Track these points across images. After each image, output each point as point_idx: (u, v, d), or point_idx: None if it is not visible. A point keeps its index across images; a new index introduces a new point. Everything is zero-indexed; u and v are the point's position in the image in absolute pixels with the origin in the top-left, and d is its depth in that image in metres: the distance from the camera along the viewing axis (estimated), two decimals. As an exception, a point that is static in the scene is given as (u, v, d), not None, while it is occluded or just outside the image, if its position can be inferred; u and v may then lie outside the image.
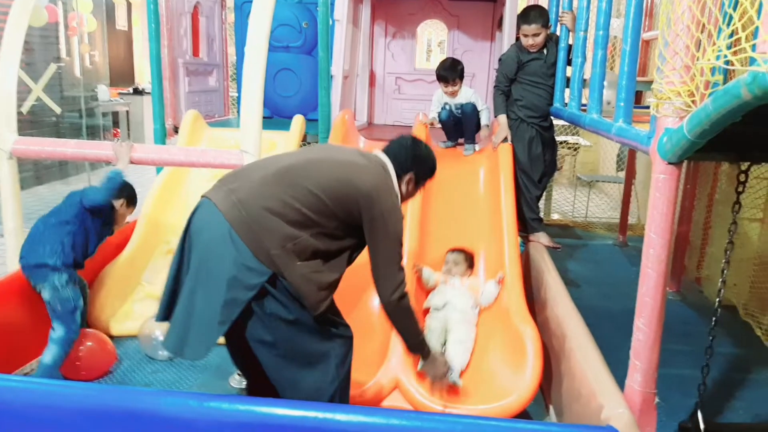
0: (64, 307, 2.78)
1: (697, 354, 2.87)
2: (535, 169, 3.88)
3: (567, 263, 4.83)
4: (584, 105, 3.21)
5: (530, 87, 3.81)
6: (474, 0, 5.37)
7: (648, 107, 2.07)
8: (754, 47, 1.40)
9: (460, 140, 4.14)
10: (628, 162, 5.54)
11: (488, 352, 2.87)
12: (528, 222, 3.94)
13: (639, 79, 3.14)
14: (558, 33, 3.77)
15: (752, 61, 1.41)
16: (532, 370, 2.55)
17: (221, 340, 2.20)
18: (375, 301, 3.00)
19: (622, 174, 5.87)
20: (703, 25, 1.73)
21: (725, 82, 1.61)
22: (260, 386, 2.21)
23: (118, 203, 2.99)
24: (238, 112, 3.59)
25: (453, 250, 3.27)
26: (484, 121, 3.97)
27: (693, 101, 1.81)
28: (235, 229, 1.91)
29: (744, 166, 2.42)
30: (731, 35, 1.55)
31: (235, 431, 1.81)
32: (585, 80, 3.31)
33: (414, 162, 2.28)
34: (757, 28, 1.41)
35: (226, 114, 5.74)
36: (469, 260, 3.25)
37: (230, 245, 1.90)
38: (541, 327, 2.86)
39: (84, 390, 2.00)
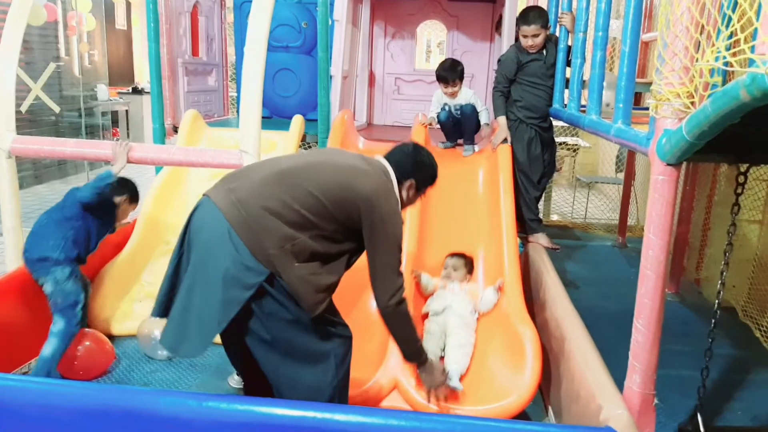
0: (65, 301, 2.80)
1: (696, 355, 2.87)
2: (535, 169, 3.88)
3: (566, 264, 4.83)
4: (583, 106, 3.21)
5: (529, 88, 3.81)
6: (473, 1, 5.37)
7: (647, 108, 2.07)
8: (753, 49, 1.40)
9: (459, 141, 4.14)
10: (628, 163, 5.55)
11: (487, 353, 2.87)
12: (527, 223, 3.94)
13: (638, 80, 3.14)
14: (557, 34, 3.77)
15: (751, 62, 1.41)
16: (531, 371, 2.56)
17: (218, 339, 2.22)
18: (374, 301, 2.98)
19: (622, 175, 5.87)
20: (702, 26, 1.73)
21: (724, 83, 1.61)
22: (257, 387, 2.21)
23: (121, 199, 3.02)
24: (238, 112, 3.58)
25: (452, 255, 3.25)
26: (484, 120, 3.97)
27: (692, 102, 1.81)
28: (235, 228, 1.92)
29: (743, 167, 2.42)
30: (730, 37, 1.55)
31: (234, 431, 1.81)
32: (584, 81, 3.31)
33: (415, 168, 2.28)
34: (755, 30, 1.41)
35: (226, 114, 5.74)
36: (469, 265, 3.24)
37: (229, 244, 1.90)
38: (540, 328, 2.87)
39: (83, 389, 2.00)
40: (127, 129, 9.46)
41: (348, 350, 2.14)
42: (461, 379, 2.64)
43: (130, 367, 3.05)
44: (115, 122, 9.10)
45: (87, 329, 3.01)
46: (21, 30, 3.14)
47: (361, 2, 5.05)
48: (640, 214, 5.92)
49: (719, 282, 2.45)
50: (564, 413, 2.52)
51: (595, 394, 2.12)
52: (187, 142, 4.21)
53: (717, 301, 2.43)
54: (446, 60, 4.00)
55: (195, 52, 5.21)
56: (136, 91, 9.71)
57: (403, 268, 3.09)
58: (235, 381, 2.85)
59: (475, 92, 4.03)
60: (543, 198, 4.61)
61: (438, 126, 4.08)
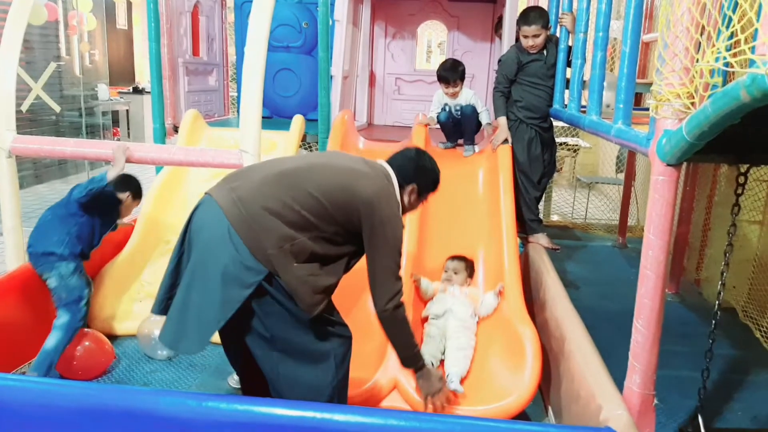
0: (70, 296, 2.82)
1: (696, 355, 2.87)
2: (535, 170, 3.88)
3: (566, 264, 4.83)
4: (584, 106, 3.21)
5: (530, 88, 3.81)
6: (474, 1, 5.37)
7: (647, 109, 2.07)
8: (753, 49, 1.40)
9: (460, 141, 4.14)
10: (628, 164, 5.55)
11: (487, 353, 2.87)
12: (527, 223, 3.94)
13: (638, 81, 3.14)
14: (558, 34, 3.77)
15: (751, 63, 1.41)
16: (531, 371, 2.56)
17: (217, 339, 2.22)
18: (374, 302, 3.00)
19: (622, 176, 5.87)
20: (703, 27, 1.73)
21: (724, 84, 1.61)
22: (256, 388, 2.21)
23: (124, 196, 3.04)
24: (238, 111, 3.59)
25: (453, 258, 3.23)
26: (485, 121, 3.96)
27: (692, 103, 1.81)
28: (234, 227, 1.92)
29: (743, 168, 2.42)
30: (730, 37, 1.55)
31: (234, 431, 1.81)
32: (584, 82, 3.31)
33: (417, 173, 2.28)
34: (756, 30, 1.41)
35: (226, 114, 5.74)
36: (470, 268, 3.22)
37: (229, 243, 1.91)
38: (540, 328, 2.86)
39: (82, 389, 2.00)
40: (128, 129, 9.47)
41: (348, 350, 2.14)
42: (462, 381, 2.63)
43: (130, 366, 3.06)
44: (115, 122, 9.10)
45: (86, 329, 3.01)
46: (21, 29, 3.15)
47: (362, 2, 5.05)
48: (641, 214, 5.92)
49: (719, 283, 2.45)
50: (564, 413, 2.52)
51: (595, 395, 2.12)
52: (188, 142, 4.21)
53: (717, 302, 2.43)
54: (447, 60, 3.99)
55: (195, 51, 5.21)
56: (137, 90, 9.72)
57: (403, 269, 3.11)
58: (234, 381, 2.84)
59: (476, 92, 4.03)
60: (543, 198, 4.61)
61: (437, 126, 4.08)
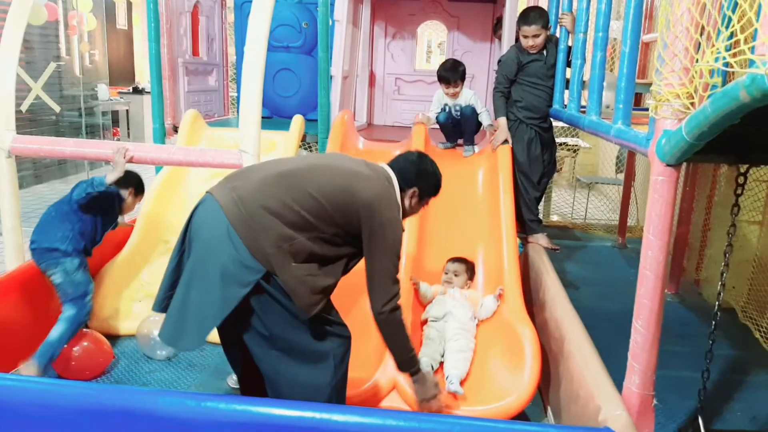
0: (76, 291, 2.86)
1: (695, 356, 2.87)
2: (534, 170, 3.88)
3: (566, 265, 4.83)
4: (583, 107, 3.21)
5: (530, 88, 3.80)
6: (474, 1, 5.37)
7: (647, 109, 2.07)
8: (753, 49, 1.40)
9: (459, 141, 4.14)
10: (628, 164, 5.54)
11: (487, 354, 2.87)
12: (527, 223, 3.93)
13: (638, 81, 3.14)
14: (557, 35, 3.77)
15: (751, 63, 1.41)
16: (530, 371, 2.55)
17: (217, 339, 2.22)
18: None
19: (622, 176, 5.87)
20: (702, 27, 1.73)
21: (724, 84, 1.61)
22: (254, 389, 2.21)
23: (126, 192, 3.07)
24: (238, 112, 3.59)
25: (454, 260, 3.23)
26: (486, 122, 3.96)
27: (692, 103, 1.81)
28: (233, 225, 1.93)
29: (743, 168, 2.42)
30: (730, 37, 1.55)
31: (233, 431, 1.81)
32: (584, 82, 3.31)
33: (419, 177, 2.28)
34: (756, 31, 1.41)
35: (226, 114, 5.74)
36: (470, 271, 3.22)
37: (228, 242, 1.92)
38: (539, 328, 2.86)
39: (81, 389, 2.00)
40: (128, 129, 9.47)
41: (347, 351, 2.14)
42: (462, 383, 2.62)
43: (129, 366, 3.05)
44: (115, 122, 9.10)
45: (85, 329, 3.01)
46: (21, 29, 3.14)
47: (362, 2, 5.05)
48: (640, 214, 5.92)
49: (719, 283, 2.45)
50: (563, 414, 2.51)
51: (594, 395, 2.12)
52: (187, 142, 4.21)
53: (717, 303, 2.43)
54: (447, 60, 3.99)
55: (195, 51, 5.21)
56: (137, 90, 9.72)
57: (402, 270, 3.11)
58: (233, 381, 2.84)
59: (476, 93, 4.03)
60: (543, 198, 4.61)
61: (436, 126, 4.08)
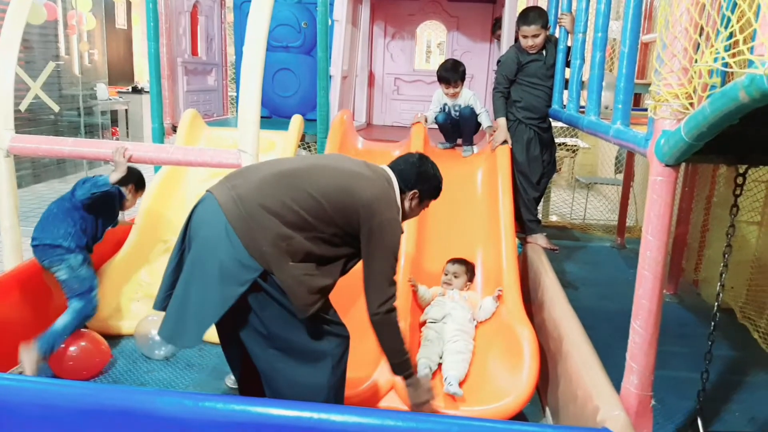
0: (82, 286, 2.89)
1: (694, 356, 2.87)
2: (534, 170, 3.88)
3: (565, 265, 4.83)
4: (582, 107, 3.21)
5: (529, 88, 3.80)
6: (473, 1, 5.37)
7: (646, 110, 2.07)
8: (752, 50, 1.40)
9: (459, 141, 4.13)
10: (627, 164, 5.55)
11: (485, 353, 2.87)
12: (526, 223, 3.93)
13: (637, 81, 3.14)
14: (557, 35, 3.77)
15: (750, 63, 1.41)
16: (528, 371, 2.55)
17: (216, 339, 2.22)
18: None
19: (621, 176, 5.87)
20: (702, 27, 1.73)
21: (723, 84, 1.61)
22: (253, 390, 2.21)
23: (127, 189, 3.10)
24: (237, 111, 3.59)
25: (454, 261, 3.21)
26: (486, 123, 3.96)
27: (691, 103, 1.80)
28: (232, 224, 1.94)
29: (742, 168, 2.42)
30: (729, 38, 1.55)
31: (231, 431, 1.81)
32: (583, 82, 3.30)
33: (419, 179, 2.29)
34: (755, 31, 1.41)
35: (225, 113, 5.74)
36: (470, 272, 3.21)
37: (226, 240, 1.93)
38: (538, 329, 2.86)
39: (79, 389, 2.00)
40: (127, 128, 9.46)
41: (345, 350, 2.14)
42: (460, 384, 2.62)
43: (127, 366, 3.05)
44: (114, 121, 9.10)
45: (83, 329, 3.01)
46: (20, 28, 3.14)
47: (361, 2, 5.05)
48: (639, 215, 5.92)
49: (718, 284, 2.45)
50: (561, 414, 2.51)
51: (593, 395, 2.12)
52: (186, 142, 4.21)
53: (716, 303, 2.42)
54: (447, 61, 3.99)
55: (194, 51, 5.21)
56: (136, 90, 9.70)
57: (401, 270, 3.11)
58: (231, 381, 2.84)
59: (476, 93, 4.02)
60: (542, 199, 4.61)
61: (434, 125, 4.07)
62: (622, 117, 2.42)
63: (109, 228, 3.19)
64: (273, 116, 5.48)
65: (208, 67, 5.43)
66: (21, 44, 3.17)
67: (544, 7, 3.96)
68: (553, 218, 6.48)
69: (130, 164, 3.02)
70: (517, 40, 3.89)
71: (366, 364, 2.62)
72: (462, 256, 3.27)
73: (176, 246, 2.07)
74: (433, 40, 11.37)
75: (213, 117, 5.39)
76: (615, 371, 2.20)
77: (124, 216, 3.32)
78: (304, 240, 1.97)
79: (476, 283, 3.31)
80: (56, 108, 6.44)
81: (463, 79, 3.90)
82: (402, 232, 2.17)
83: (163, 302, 2.07)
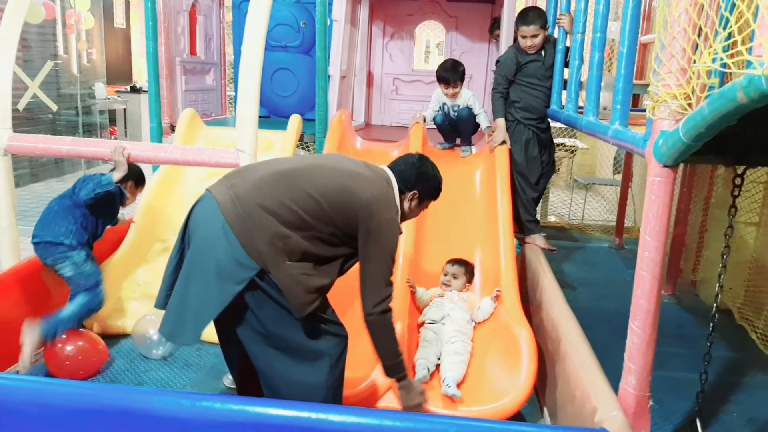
0: (88, 282, 2.93)
1: (692, 357, 2.88)
2: (532, 170, 3.88)
3: (563, 265, 4.83)
4: (581, 107, 3.21)
5: (528, 89, 3.80)
6: (472, 1, 5.37)
7: (644, 110, 2.07)
8: (750, 50, 1.40)
9: (457, 141, 4.13)
10: (625, 165, 5.55)
11: (483, 354, 2.87)
12: (524, 224, 3.93)
13: (636, 82, 3.14)
14: (555, 35, 3.77)
15: (748, 64, 1.41)
16: (526, 371, 2.55)
17: (214, 339, 2.22)
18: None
19: (619, 177, 5.88)
20: (700, 27, 1.73)
21: (722, 85, 1.61)
22: (252, 388, 2.21)
23: (127, 185, 3.11)
24: (235, 111, 3.59)
25: (454, 262, 3.21)
26: (484, 123, 3.95)
27: (689, 104, 1.80)
28: (229, 222, 1.94)
29: (740, 169, 2.42)
30: (728, 38, 1.55)
31: (228, 431, 1.80)
32: (582, 82, 3.30)
33: (419, 180, 2.28)
34: (753, 32, 1.41)
35: (224, 113, 5.73)
36: (470, 273, 3.20)
37: (223, 239, 1.93)
38: (536, 329, 2.86)
39: (76, 388, 1.99)
40: (125, 128, 9.45)
41: (343, 350, 2.14)
42: (458, 386, 2.61)
43: (125, 366, 3.04)
44: (112, 121, 9.09)
45: (80, 329, 3.01)
46: (18, 27, 3.14)
47: (360, 2, 5.04)
48: (637, 215, 5.92)
49: (717, 285, 2.45)
50: (559, 414, 2.51)
51: (591, 396, 2.12)
52: (185, 141, 4.20)
53: (715, 304, 2.42)
54: (447, 61, 3.98)
55: (193, 51, 5.20)
56: (134, 89, 9.69)
57: (399, 270, 3.11)
58: (229, 381, 2.83)
59: (475, 93, 4.02)
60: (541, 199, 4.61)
61: (432, 125, 4.07)
62: (620, 117, 2.42)
63: (109, 226, 3.21)
64: (271, 116, 5.48)
65: (206, 67, 5.42)
66: (19, 43, 3.17)
67: (543, 8, 3.96)
68: (552, 219, 6.48)
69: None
70: (515, 40, 3.89)
71: (364, 363, 2.61)
72: (460, 256, 3.27)
73: (176, 245, 2.08)
74: (432, 40, 11.37)
75: (211, 116, 5.39)
76: (613, 372, 2.20)
77: (124, 214, 3.33)
78: (301, 239, 1.97)
79: (474, 283, 3.31)
80: (54, 107, 6.43)
81: (462, 79, 3.90)
82: (401, 233, 2.17)
83: (164, 301, 2.07)
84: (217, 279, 1.91)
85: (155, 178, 4.01)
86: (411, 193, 2.27)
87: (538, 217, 4.27)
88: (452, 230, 3.60)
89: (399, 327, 2.78)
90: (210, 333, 2.10)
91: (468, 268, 3.20)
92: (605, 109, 3.04)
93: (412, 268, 3.23)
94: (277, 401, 1.94)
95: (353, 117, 4.94)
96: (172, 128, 4.53)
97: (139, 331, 3.09)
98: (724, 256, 2.43)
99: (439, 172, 2.39)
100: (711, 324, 2.43)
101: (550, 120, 3.89)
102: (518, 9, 4.05)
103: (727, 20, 1.54)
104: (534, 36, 3.68)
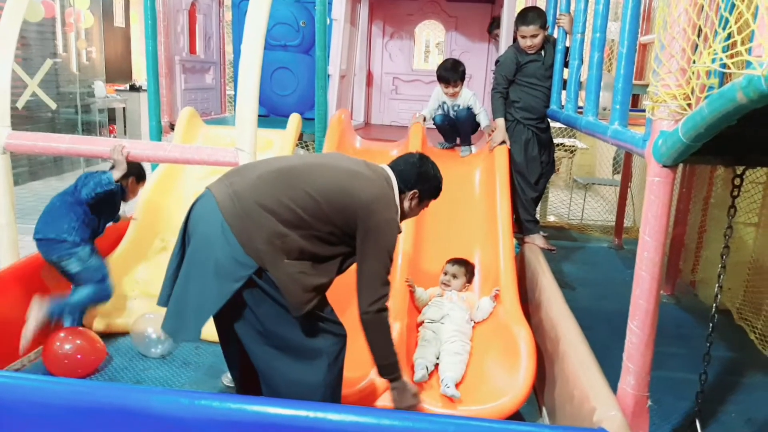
0: (95, 276, 2.98)
1: (690, 357, 2.88)
2: (532, 170, 3.88)
3: (562, 265, 4.83)
4: (581, 107, 3.21)
5: (527, 89, 3.80)
6: (472, 1, 5.37)
7: (644, 110, 2.07)
8: (749, 51, 1.40)
9: (458, 140, 4.13)
10: (624, 165, 5.55)
11: (482, 353, 2.87)
12: (523, 224, 3.93)
13: (635, 82, 3.14)
14: (555, 35, 3.76)
15: (748, 64, 1.41)
16: (525, 371, 2.55)
17: (214, 338, 2.22)
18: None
19: (619, 177, 5.88)
20: (700, 28, 1.73)
21: (721, 85, 1.61)
22: (250, 387, 2.21)
23: (128, 181, 3.14)
24: (235, 110, 3.58)
25: (454, 262, 3.20)
26: (484, 122, 3.95)
27: (689, 104, 1.80)
28: (227, 220, 1.94)
29: (739, 170, 2.42)
30: (727, 38, 1.55)
31: (226, 430, 1.80)
32: (581, 82, 3.30)
33: (419, 179, 2.28)
34: (753, 32, 1.41)
35: (223, 112, 5.73)
36: (470, 273, 3.19)
37: (222, 237, 1.94)
38: (535, 329, 2.86)
39: (74, 387, 1.99)
40: (124, 126, 9.44)
41: (342, 349, 2.13)
42: (457, 386, 2.61)
43: (123, 364, 3.04)
44: (112, 119, 9.08)
45: (78, 327, 3.01)
46: (17, 25, 3.13)
47: (360, 2, 5.04)
48: (637, 215, 5.93)
49: (716, 285, 2.45)
50: (558, 414, 2.51)
51: (589, 396, 2.12)
52: (184, 140, 4.20)
53: (714, 305, 2.42)
54: (447, 60, 3.97)
55: (192, 49, 5.20)
56: (134, 88, 9.68)
57: (399, 269, 3.11)
58: (228, 379, 2.83)
59: (475, 93, 4.02)
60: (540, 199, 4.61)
61: (431, 124, 4.07)
62: (620, 117, 2.42)
63: (110, 224, 3.24)
64: (271, 115, 5.47)
65: (206, 66, 5.42)
66: (18, 41, 3.17)
67: (543, 8, 3.95)
68: (551, 218, 6.48)
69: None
70: (515, 40, 3.89)
71: (363, 362, 2.60)
72: (459, 256, 3.27)
73: (177, 243, 2.08)
74: (432, 39, 11.36)
75: (211, 115, 5.38)
76: (612, 372, 2.20)
77: (125, 211, 3.34)
78: (299, 238, 1.97)
79: (474, 283, 3.31)
80: (53, 105, 6.42)
81: (462, 79, 3.89)
82: (400, 232, 2.17)
83: (166, 298, 2.08)
84: (216, 277, 1.91)
85: (154, 176, 4.01)
86: (411, 192, 2.27)
87: (538, 217, 4.26)
88: (451, 230, 3.60)
89: (398, 326, 2.78)
90: (208, 332, 2.10)
91: (468, 268, 3.20)
92: (605, 109, 3.04)
93: (411, 267, 3.23)
94: (275, 400, 1.93)
95: (353, 116, 4.93)
96: (172, 127, 4.53)
97: (138, 329, 3.09)
98: (724, 257, 2.43)
99: (440, 172, 2.39)
100: (711, 324, 2.43)
101: (549, 120, 3.89)
102: (518, 9, 4.04)
103: (727, 20, 1.53)
104: (534, 36, 3.68)
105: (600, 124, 2.69)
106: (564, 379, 2.46)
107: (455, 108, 3.95)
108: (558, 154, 6.71)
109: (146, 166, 4.40)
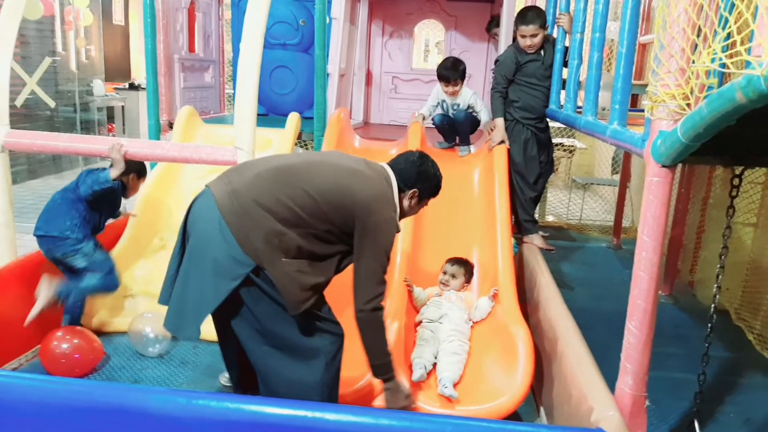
0: (102, 268, 2.99)
1: (688, 357, 2.88)
2: (531, 170, 3.87)
3: (561, 265, 4.83)
4: (580, 107, 3.21)
5: (527, 88, 3.79)
6: (471, 1, 5.36)
7: (643, 110, 2.07)
8: (749, 50, 1.40)
9: (457, 140, 4.13)
10: (623, 165, 5.55)
11: (480, 353, 2.86)
12: (522, 223, 3.93)
13: (635, 82, 3.13)
14: (555, 35, 3.76)
15: (747, 64, 1.40)
16: (523, 371, 2.55)
17: (212, 337, 2.22)
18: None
19: (617, 177, 5.88)
20: (699, 28, 1.72)
21: (720, 85, 1.60)
22: (249, 386, 2.21)
23: (129, 178, 3.15)
24: (234, 108, 3.58)
25: (453, 261, 3.19)
26: (484, 119, 3.95)
27: (688, 104, 1.80)
28: (225, 219, 1.95)
29: (738, 170, 2.42)
30: (727, 38, 1.54)
31: (224, 429, 1.80)
32: (581, 82, 3.30)
33: (419, 178, 2.28)
34: (752, 32, 1.41)
35: (222, 111, 5.72)
36: (469, 273, 3.19)
37: (219, 235, 1.94)
38: (533, 328, 2.86)
39: (72, 386, 1.99)
40: (123, 125, 9.43)
41: (339, 348, 2.13)
42: (455, 386, 2.61)
43: (121, 363, 3.04)
44: (110, 118, 9.06)
45: (76, 326, 3.01)
46: (16, 23, 3.13)
47: (359, 1, 5.03)
48: (635, 215, 5.93)
49: (715, 285, 2.44)
50: (556, 414, 2.51)
51: (587, 395, 2.12)
52: (183, 139, 4.19)
53: (713, 305, 2.42)
54: (448, 59, 3.97)
55: (192, 48, 5.19)
56: (133, 86, 9.67)
57: (397, 269, 3.10)
58: (225, 379, 2.83)
59: (476, 92, 4.01)
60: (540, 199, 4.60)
61: (430, 124, 4.06)
62: (619, 117, 2.42)
63: (111, 221, 3.25)
64: (270, 114, 5.47)
65: (205, 64, 5.41)
66: (17, 39, 3.17)
67: (543, 7, 3.95)
68: (550, 218, 6.48)
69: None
70: (515, 39, 3.88)
71: (361, 362, 2.60)
72: (458, 255, 3.26)
73: (177, 241, 2.09)
74: (432, 39, 11.36)
75: (210, 114, 5.38)
76: (610, 372, 2.20)
77: (126, 206, 3.35)
78: (297, 236, 1.97)
79: (472, 282, 3.31)
80: (52, 104, 6.42)
81: (463, 78, 3.89)
82: (398, 231, 2.17)
83: (167, 297, 2.08)
84: (214, 275, 1.92)
85: (153, 174, 4.00)
86: (411, 191, 2.27)
87: (536, 216, 4.26)
88: (450, 229, 3.60)
89: (396, 326, 2.78)
90: (206, 331, 2.09)
91: (467, 268, 3.20)
92: (604, 109, 3.04)
93: (410, 267, 3.23)
94: (273, 400, 1.93)
95: (352, 115, 4.93)
96: (171, 125, 4.52)
97: (136, 328, 3.09)
98: (722, 257, 2.43)
99: (439, 170, 2.39)
100: (709, 325, 2.43)
101: (548, 120, 3.89)
102: (517, 8, 4.04)
103: (726, 20, 1.53)
104: (533, 35, 3.68)
105: (599, 123, 2.68)
106: (562, 379, 2.46)
107: (455, 107, 3.94)
108: (557, 153, 6.71)
109: (146, 164, 4.43)
